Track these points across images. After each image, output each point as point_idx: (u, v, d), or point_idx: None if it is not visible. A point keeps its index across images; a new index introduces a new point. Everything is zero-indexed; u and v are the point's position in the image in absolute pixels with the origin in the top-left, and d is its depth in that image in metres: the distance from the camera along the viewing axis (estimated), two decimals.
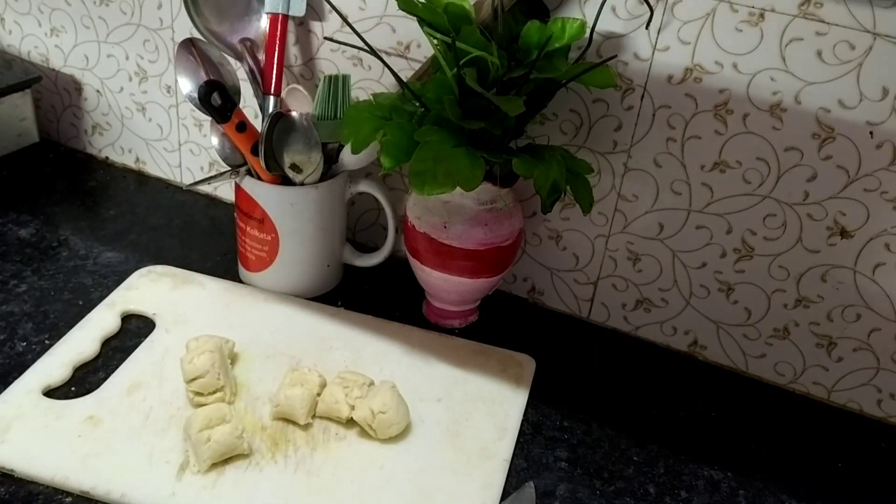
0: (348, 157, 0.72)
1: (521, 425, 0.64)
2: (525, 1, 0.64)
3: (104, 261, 0.78)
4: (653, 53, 0.65)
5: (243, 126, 0.68)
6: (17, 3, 0.91)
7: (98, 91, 0.92)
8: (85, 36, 0.89)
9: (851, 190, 0.64)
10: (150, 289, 0.73)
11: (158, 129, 0.91)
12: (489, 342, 0.72)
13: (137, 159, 0.94)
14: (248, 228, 0.73)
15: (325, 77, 0.69)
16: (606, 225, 0.73)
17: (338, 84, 0.69)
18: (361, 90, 0.77)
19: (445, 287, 0.70)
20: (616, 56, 0.65)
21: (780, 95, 0.62)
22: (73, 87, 0.94)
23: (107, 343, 0.67)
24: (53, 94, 0.95)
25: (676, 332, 0.76)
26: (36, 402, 0.60)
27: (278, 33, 0.72)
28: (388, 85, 0.75)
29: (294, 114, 0.69)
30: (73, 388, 0.62)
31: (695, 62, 0.64)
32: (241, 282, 0.77)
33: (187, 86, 0.69)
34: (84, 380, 0.63)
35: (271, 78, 0.72)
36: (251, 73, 0.73)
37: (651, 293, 0.75)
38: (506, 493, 0.58)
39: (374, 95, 0.66)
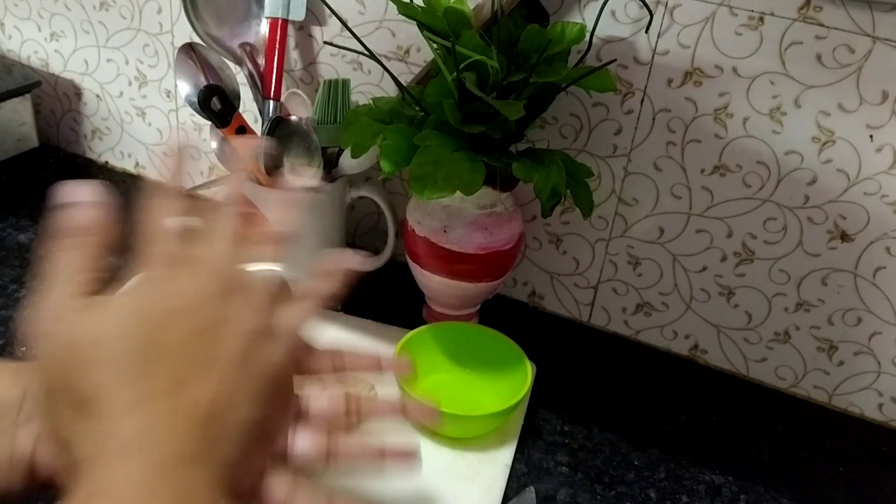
0: (348, 162, 0.71)
1: (522, 430, 0.64)
2: (525, 5, 0.64)
3: None
4: (652, 57, 0.65)
5: (243, 130, 0.68)
6: (16, 8, 0.92)
7: (98, 96, 0.92)
8: (85, 41, 0.89)
9: (851, 193, 0.64)
10: None
11: (158, 134, 0.91)
12: None
13: (137, 164, 0.94)
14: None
15: (324, 81, 0.68)
16: (607, 229, 0.73)
17: (337, 88, 0.69)
18: (361, 94, 0.77)
19: (445, 291, 0.70)
20: (616, 60, 0.65)
21: (780, 99, 0.62)
22: (72, 92, 0.94)
23: None
24: (53, 98, 0.95)
25: (677, 336, 0.75)
26: None
27: (278, 37, 0.72)
28: (387, 89, 0.75)
29: (294, 118, 0.69)
30: None
31: (694, 66, 0.64)
32: None
33: (187, 90, 0.69)
34: None
35: (271, 82, 0.72)
36: (251, 77, 0.73)
37: (651, 297, 0.75)
38: (507, 498, 0.58)
39: (374, 100, 0.66)
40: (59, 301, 0.34)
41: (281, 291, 0.39)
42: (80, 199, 0.36)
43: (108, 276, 0.36)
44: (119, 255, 0.37)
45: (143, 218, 0.38)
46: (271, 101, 0.72)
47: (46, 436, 0.36)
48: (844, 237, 0.65)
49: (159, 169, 0.41)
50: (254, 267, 0.39)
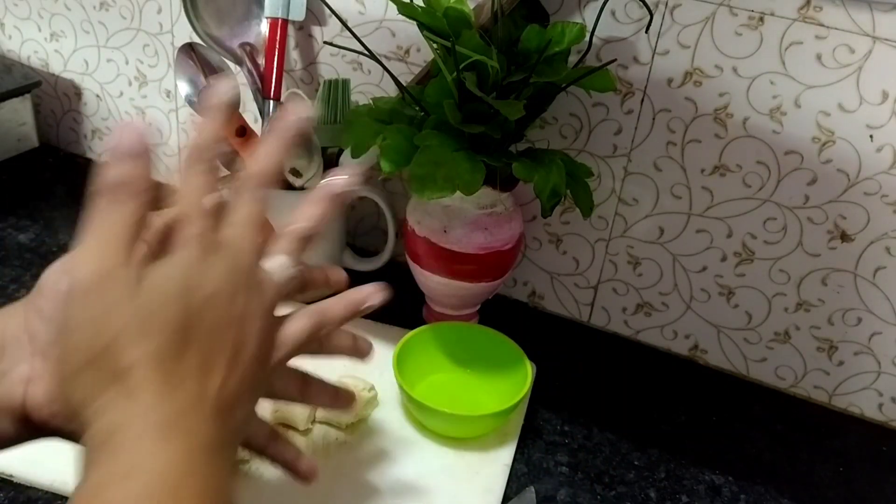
0: (348, 162, 0.72)
1: (522, 430, 0.64)
2: (525, 5, 0.64)
3: None
4: (652, 57, 0.65)
5: (243, 131, 0.68)
6: (17, 8, 0.92)
7: (98, 96, 0.92)
8: (85, 41, 0.89)
9: (851, 193, 0.64)
10: None
11: (158, 134, 0.91)
12: None
13: None
14: None
15: (324, 81, 0.69)
16: (606, 229, 0.73)
17: (338, 88, 0.69)
18: (361, 94, 0.77)
19: (445, 291, 0.70)
20: (616, 60, 0.65)
21: (780, 99, 0.62)
22: (72, 92, 0.94)
23: None
24: (53, 98, 0.95)
25: (677, 337, 0.75)
26: None
27: (278, 37, 0.72)
28: (387, 89, 0.75)
29: None
30: None
31: (694, 66, 0.64)
32: None
33: (187, 90, 0.69)
34: None
35: (271, 82, 0.72)
36: (251, 77, 0.73)
37: (651, 297, 0.75)
38: (507, 498, 0.58)
39: (374, 100, 0.66)
40: (102, 268, 0.34)
41: (289, 291, 0.40)
42: (125, 150, 0.35)
43: (152, 242, 0.36)
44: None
45: (181, 191, 0.38)
46: (271, 101, 0.72)
47: (46, 385, 0.37)
48: (844, 237, 0.65)
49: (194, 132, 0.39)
50: (270, 260, 0.40)
